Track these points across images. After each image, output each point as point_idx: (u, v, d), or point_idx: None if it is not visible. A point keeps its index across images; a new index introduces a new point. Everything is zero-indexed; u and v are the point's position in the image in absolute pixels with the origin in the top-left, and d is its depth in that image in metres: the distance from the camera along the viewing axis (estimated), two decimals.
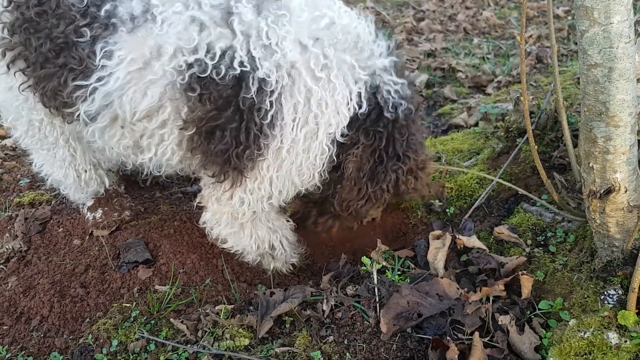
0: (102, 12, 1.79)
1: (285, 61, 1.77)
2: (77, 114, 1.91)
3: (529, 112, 2.29)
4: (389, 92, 1.95)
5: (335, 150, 1.94)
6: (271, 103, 1.78)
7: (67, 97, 1.87)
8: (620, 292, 1.77)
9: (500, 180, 2.23)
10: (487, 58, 4.59)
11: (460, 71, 4.30)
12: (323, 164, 1.95)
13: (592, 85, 1.61)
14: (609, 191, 1.72)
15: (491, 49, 4.84)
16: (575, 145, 2.18)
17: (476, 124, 3.36)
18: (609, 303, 1.79)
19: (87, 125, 1.94)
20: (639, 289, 1.68)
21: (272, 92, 1.77)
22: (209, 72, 1.75)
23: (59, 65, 1.84)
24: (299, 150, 1.88)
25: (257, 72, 1.76)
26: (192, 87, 1.77)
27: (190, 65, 1.76)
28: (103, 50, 1.78)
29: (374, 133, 1.97)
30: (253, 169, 1.89)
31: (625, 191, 1.72)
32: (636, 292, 1.68)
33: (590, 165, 1.73)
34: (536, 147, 2.00)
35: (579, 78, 3.08)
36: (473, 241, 2.22)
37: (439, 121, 3.61)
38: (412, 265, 2.24)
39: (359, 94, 1.90)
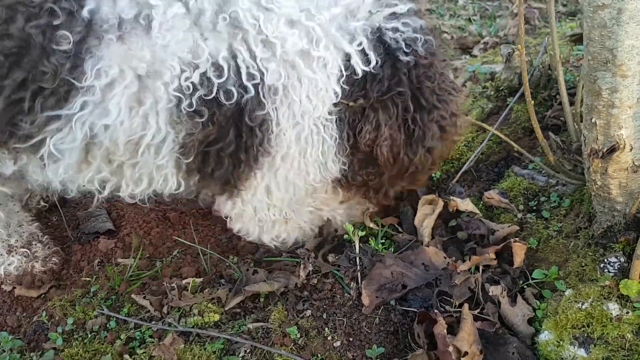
0: (85, 12, 1.39)
1: (286, 54, 1.52)
2: (40, 149, 1.51)
3: (519, 71, 2.13)
4: (396, 30, 1.65)
5: (344, 128, 1.69)
6: (274, 109, 1.56)
7: (27, 128, 1.45)
8: (622, 259, 1.63)
9: (498, 133, 2.04)
10: (473, 19, 4.40)
11: (445, 32, 4.11)
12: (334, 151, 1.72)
13: (598, 30, 1.44)
14: (612, 149, 1.56)
15: (477, 10, 4.65)
16: (570, 104, 2.03)
17: (463, 85, 3.19)
18: (609, 272, 1.65)
19: (46, 165, 1.55)
20: None
21: (276, 96, 1.55)
22: (214, 93, 1.48)
23: (14, 80, 1.40)
24: (295, 154, 1.67)
25: (265, 79, 1.51)
26: (200, 112, 1.50)
27: (195, 87, 1.47)
28: (92, 66, 1.40)
29: (395, 93, 1.66)
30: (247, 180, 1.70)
31: (631, 149, 1.56)
32: None
33: (593, 120, 1.57)
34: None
35: (571, 38, 2.91)
36: (466, 204, 2.06)
37: None
38: (398, 232, 2.09)
39: (362, 50, 1.61)
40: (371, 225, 2.08)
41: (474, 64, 3.40)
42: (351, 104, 1.65)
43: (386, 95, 1.64)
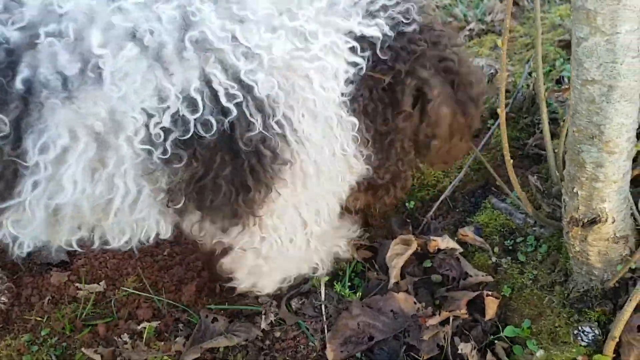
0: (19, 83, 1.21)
1: (275, 61, 1.36)
2: None
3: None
4: (385, 7, 1.52)
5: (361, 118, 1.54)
6: (278, 123, 1.39)
7: None
8: (597, 331, 1.56)
9: (482, 158, 1.90)
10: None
11: (430, 15, 3.90)
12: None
13: (585, 104, 1.31)
14: (593, 221, 1.46)
15: None
16: (553, 135, 1.91)
17: None
18: (582, 340, 1.58)
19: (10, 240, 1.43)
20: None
21: (275, 108, 1.38)
22: (192, 130, 1.30)
23: None
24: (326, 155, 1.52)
25: (251, 95, 1.34)
26: (176, 155, 1.32)
27: (167, 131, 1.29)
28: (34, 143, 1.23)
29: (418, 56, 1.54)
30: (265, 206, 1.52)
31: (613, 222, 1.46)
32: (616, 340, 1.47)
33: (575, 190, 1.46)
34: (507, 133, 1.70)
35: (559, 44, 2.76)
36: (447, 241, 1.96)
37: None
38: (368, 269, 1.99)
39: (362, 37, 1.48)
40: (355, 256, 1.98)
41: None
42: (379, 76, 1.52)
43: (412, 62, 1.53)
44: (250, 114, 1.34)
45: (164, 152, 1.30)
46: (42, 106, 1.22)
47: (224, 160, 1.37)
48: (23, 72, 1.20)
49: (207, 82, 1.32)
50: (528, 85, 2.20)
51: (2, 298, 1.88)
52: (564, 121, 1.84)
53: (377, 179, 1.73)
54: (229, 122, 1.33)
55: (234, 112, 1.32)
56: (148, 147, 1.29)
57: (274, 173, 1.44)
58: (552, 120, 2.09)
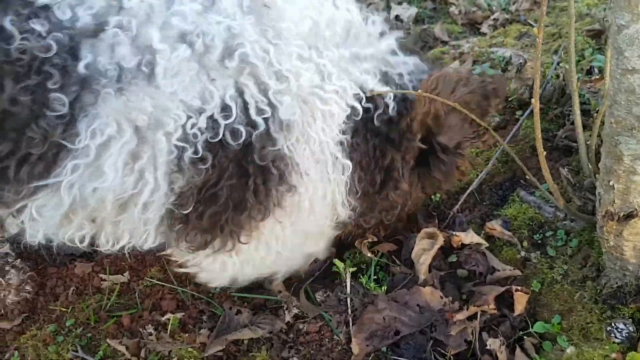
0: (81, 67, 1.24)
1: (301, 89, 1.40)
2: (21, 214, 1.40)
3: (531, 83, 1.95)
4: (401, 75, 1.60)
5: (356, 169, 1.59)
6: (290, 147, 1.42)
7: (10, 196, 1.32)
8: (631, 328, 1.52)
9: (509, 150, 1.84)
10: None
11: (453, 4, 3.85)
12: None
13: (624, 94, 1.26)
14: (630, 215, 1.42)
15: None
16: (585, 126, 1.86)
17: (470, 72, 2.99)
18: (616, 337, 1.54)
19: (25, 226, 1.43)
20: None
21: (291, 133, 1.41)
22: (221, 135, 1.33)
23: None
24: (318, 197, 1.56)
25: (277, 114, 1.37)
26: (203, 158, 1.35)
27: (202, 132, 1.33)
28: (88, 126, 1.27)
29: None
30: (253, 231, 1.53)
31: None
32: None
33: (611, 183, 1.42)
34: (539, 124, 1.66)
35: (588, 33, 2.69)
36: (471, 236, 1.92)
37: None
38: (395, 263, 1.96)
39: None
40: (368, 254, 1.95)
41: (482, 47, 3.19)
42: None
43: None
44: (275, 130, 1.39)
45: (195, 152, 1.33)
46: (98, 93, 1.25)
47: (234, 172, 1.40)
48: (86, 58, 1.23)
49: (240, 92, 1.36)
50: (557, 76, 2.15)
51: (27, 287, 1.88)
52: (597, 112, 1.79)
53: (362, 223, 1.79)
54: (250, 133, 1.36)
55: (262, 126, 1.36)
56: (184, 144, 1.32)
57: (277, 197, 1.47)
58: (583, 111, 2.03)
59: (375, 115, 1.54)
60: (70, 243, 1.51)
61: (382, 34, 1.61)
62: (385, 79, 1.58)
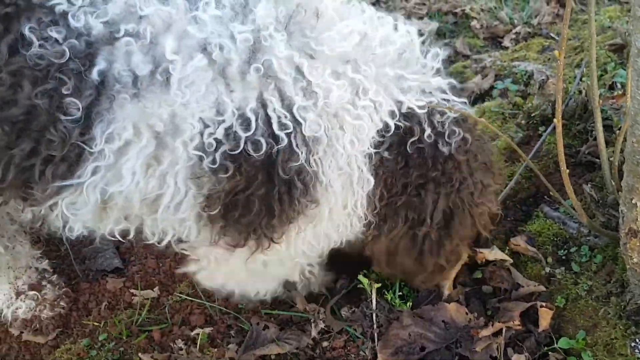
0: (95, 73, 1.26)
1: (329, 104, 1.38)
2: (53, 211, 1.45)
3: (554, 99, 1.96)
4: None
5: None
6: (315, 161, 1.42)
7: (38, 195, 1.37)
8: None
9: (532, 166, 1.87)
10: (505, 1, 4.13)
11: (475, 18, 3.87)
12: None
13: None
14: None
15: None
16: (607, 143, 1.87)
17: (490, 88, 3.01)
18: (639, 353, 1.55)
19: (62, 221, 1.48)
20: None
21: (317, 148, 1.41)
22: (242, 146, 1.34)
23: (22, 149, 1.30)
24: (339, 206, 1.54)
25: (300, 130, 1.37)
26: (224, 166, 1.36)
27: (219, 142, 1.33)
28: (102, 131, 1.29)
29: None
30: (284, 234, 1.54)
31: None
32: None
33: (634, 202, 1.43)
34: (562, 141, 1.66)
35: (610, 47, 2.70)
36: (494, 253, 1.94)
37: None
38: None
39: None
40: None
41: (504, 61, 3.21)
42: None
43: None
44: (297, 145, 1.38)
45: (213, 161, 1.34)
46: (114, 99, 1.28)
47: (263, 180, 1.41)
48: (100, 64, 1.25)
49: (263, 105, 1.35)
50: (580, 91, 2.16)
51: (61, 303, 1.94)
52: (619, 129, 1.80)
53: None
54: (270, 146, 1.36)
55: (285, 140, 1.36)
56: (200, 153, 1.33)
57: (301, 207, 1.46)
58: (606, 127, 2.04)
59: (409, 141, 1.52)
60: (111, 236, 1.54)
61: (437, 71, 1.57)
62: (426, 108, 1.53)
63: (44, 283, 1.95)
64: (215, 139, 1.33)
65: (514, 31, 3.68)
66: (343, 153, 1.46)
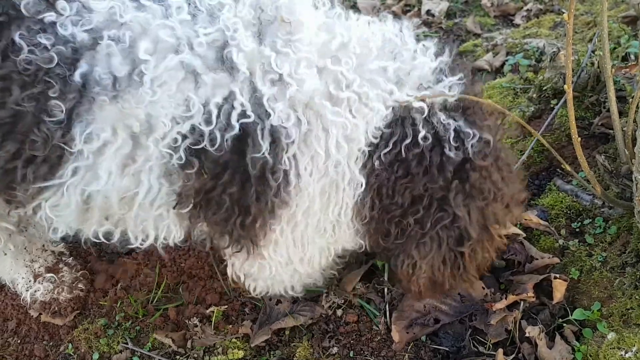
0: (77, 76, 1.28)
1: (303, 95, 1.36)
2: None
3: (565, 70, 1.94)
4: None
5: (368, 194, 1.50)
6: (289, 159, 1.39)
7: (20, 196, 1.39)
8: None
9: (543, 141, 1.83)
10: None
11: None
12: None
13: None
14: None
15: None
16: (621, 113, 1.85)
17: (502, 65, 2.98)
18: None
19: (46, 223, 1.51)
20: None
21: (290, 143, 1.38)
22: (204, 142, 1.34)
23: (7, 150, 1.32)
24: (316, 210, 1.50)
25: (267, 121, 1.35)
26: (189, 162, 1.36)
27: (184, 137, 1.34)
28: (83, 132, 1.31)
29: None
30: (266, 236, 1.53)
31: None
32: None
33: None
34: (574, 112, 1.63)
35: (624, 20, 2.66)
36: (509, 228, 1.93)
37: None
38: None
39: None
40: None
41: (515, 38, 3.18)
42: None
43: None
44: (261, 137, 1.36)
45: (180, 157, 1.35)
46: (94, 100, 1.30)
47: (233, 178, 1.40)
48: (82, 68, 1.28)
49: (230, 99, 1.35)
50: (592, 64, 2.13)
51: (80, 285, 1.97)
52: (632, 98, 1.78)
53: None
54: (232, 139, 1.34)
55: (238, 130, 1.34)
56: (170, 151, 1.35)
57: (275, 206, 1.45)
58: (619, 98, 2.02)
59: (404, 144, 1.43)
60: (95, 239, 1.56)
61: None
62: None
63: (60, 265, 1.97)
64: (182, 135, 1.34)
65: (525, 8, 3.64)
66: (323, 156, 1.42)
